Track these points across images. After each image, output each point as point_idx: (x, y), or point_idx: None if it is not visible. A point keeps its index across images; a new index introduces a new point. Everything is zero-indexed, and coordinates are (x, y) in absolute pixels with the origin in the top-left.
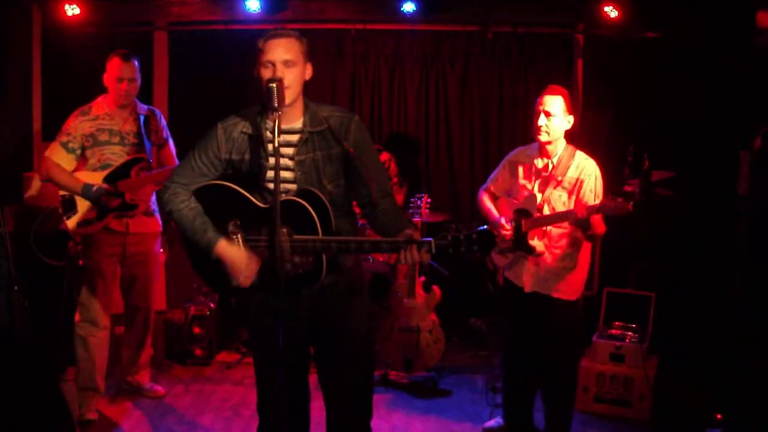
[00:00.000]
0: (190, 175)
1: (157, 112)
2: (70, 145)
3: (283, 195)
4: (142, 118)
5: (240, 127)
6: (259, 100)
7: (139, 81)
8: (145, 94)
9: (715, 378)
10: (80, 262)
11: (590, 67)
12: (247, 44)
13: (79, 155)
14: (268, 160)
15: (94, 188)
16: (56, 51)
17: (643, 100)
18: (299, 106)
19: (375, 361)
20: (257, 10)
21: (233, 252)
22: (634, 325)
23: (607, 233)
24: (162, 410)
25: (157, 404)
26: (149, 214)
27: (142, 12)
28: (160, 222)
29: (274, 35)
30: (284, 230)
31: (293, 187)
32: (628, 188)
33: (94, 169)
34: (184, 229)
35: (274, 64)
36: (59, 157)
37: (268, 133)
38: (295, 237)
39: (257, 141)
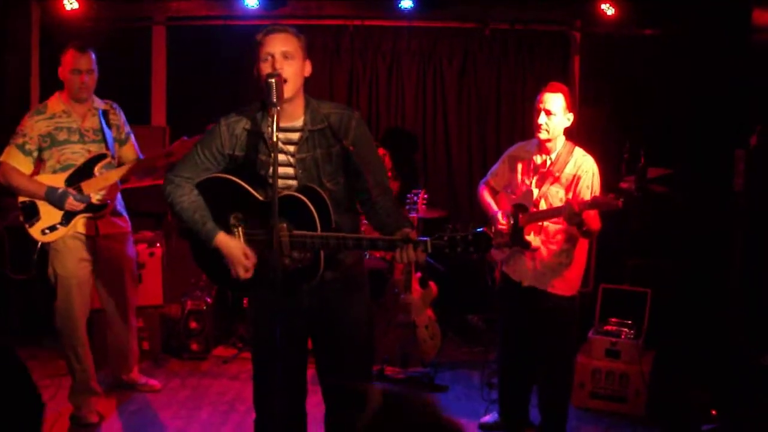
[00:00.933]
0: (193, 170)
1: (116, 105)
2: (27, 146)
3: (284, 191)
4: (100, 112)
5: (242, 124)
6: (259, 97)
7: (96, 73)
8: (143, 89)
9: (711, 374)
10: (48, 272)
11: (587, 65)
12: (245, 40)
13: (36, 157)
14: (269, 157)
15: (59, 191)
16: (55, 46)
17: (639, 97)
18: (300, 104)
19: (374, 357)
20: (255, 5)
21: (231, 244)
22: (629, 321)
23: (602, 229)
24: (158, 404)
25: (154, 399)
26: (117, 213)
27: (140, 7)
28: (128, 220)
29: (273, 30)
30: (283, 225)
31: (294, 184)
32: (624, 185)
33: (54, 171)
34: (185, 222)
35: (273, 56)
36: (16, 161)
37: (269, 130)
38: (294, 232)
39: (259, 137)
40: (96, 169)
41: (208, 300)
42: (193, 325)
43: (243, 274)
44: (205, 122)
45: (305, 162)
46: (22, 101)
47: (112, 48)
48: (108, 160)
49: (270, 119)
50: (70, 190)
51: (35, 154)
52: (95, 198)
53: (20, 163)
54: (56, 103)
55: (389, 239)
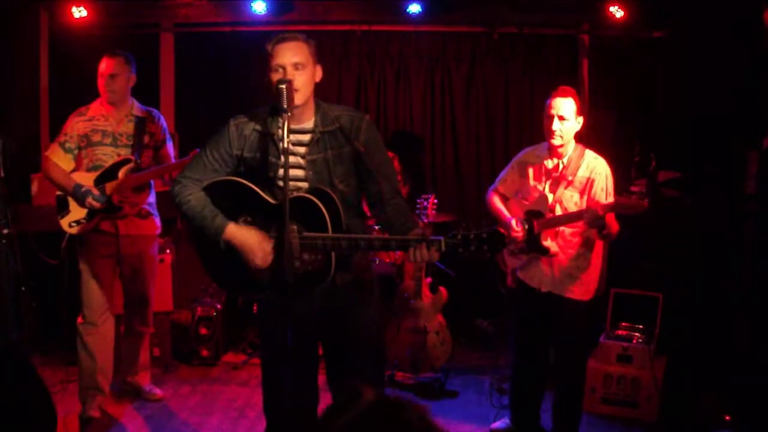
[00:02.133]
0: (201, 171)
1: (156, 113)
2: (67, 144)
3: (294, 193)
4: (136, 119)
5: (252, 125)
6: (267, 102)
7: (123, 76)
8: (152, 96)
9: (723, 379)
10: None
11: (596, 68)
12: (252, 46)
13: (76, 155)
14: (279, 159)
15: (82, 189)
16: (63, 53)
17: (649, 100)
18: (310, 107)
19: (385, 362)
20: (263, 11)
21: (244, 233)
22: (641, 326)
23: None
24: (169, 411)
25: (164, 405)
26: (143, 216)
27: (148, 14)
28: (158, 223)
29: (283, 39)
30: (294, 227)
31: (305, 185)
32: (634, 188)
33: (88, 170)
34: (192, 219)
35: (284, 68)
36: (57, 157)
37: (280, 132)
38: (305, 234)
39: (268, 139)
40: (120, 173)
41: (218, 306)
42: (203, 331)
43: (262, 261)
44: (213, 127)
45: (316, 163)
46: (31, 108)
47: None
48: (132, 165)
49: (281, 124)
50: (93, 189)
51: (75, 152)
52: (116, 199)
53: (60, 159)
54: (97, 106)
55: (402, 239)
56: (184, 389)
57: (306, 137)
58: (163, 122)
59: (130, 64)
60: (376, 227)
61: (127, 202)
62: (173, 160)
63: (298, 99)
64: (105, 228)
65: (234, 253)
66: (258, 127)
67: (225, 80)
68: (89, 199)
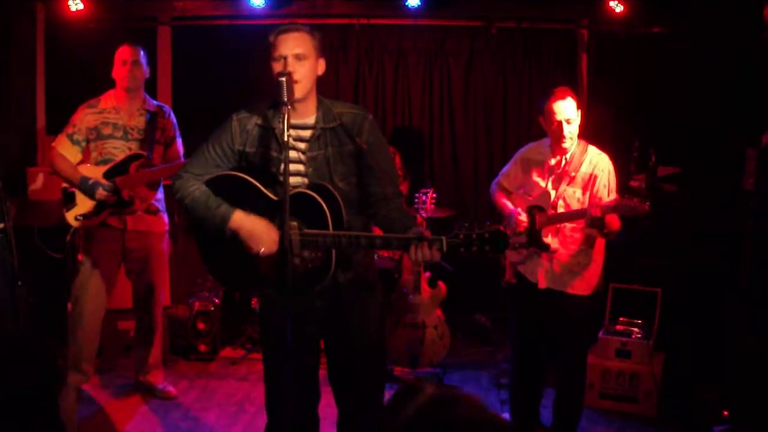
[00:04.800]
0: (203, 166)
1: (167, 109)
2: (75, 136)
3: (296, 188)
4: (148, 114)
5: (254, 120)
6: (267, 96)
7: (145, 68)
8: (149, 89)
9: (722, 374)
10: (79, 256)
11: (595, 63)
12: (251, 39)
13: (84, 147)
14: (281, 153)
15: (91, 182)
16: (60, 46)
17: (648, 95)
18: (312, 102)
19: (386, 358)
20: (261, 5)
21: (251, 220)
22: (640, 321)
23: None
24: (167, 406)
25: (162, 400)
26: (152, 212)
27: (145, 7)
28: (166, 220)
29: (286, 30)
30: (294, 224)
31: (305, 181)
32: (633, 183)
33: (96, 163)
34: (196, 211)
35: (285, 58)
36: (64, 148)
37: (281, 126)
38: (305, 231)
39: (270, 134)
40: (132, 168)
41: (216, 301)
42: (201, 326)
43: (269, 249)
44: (211, 122)
45: (316, 160)
46: (27, 102)
47: (116, 48)
48: (143, 160)
49: (281, 117)
50: (102, 181)
51: (83, 144)
52: (126, 194)
53: (67, 150)
54: (108, 99)
55: (404, 237)
56: (182, 384)
57: (307, 133)
58: (174, 118)
59: (145, 58)
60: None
61: (138, 197)
62: (182, 158)
63: (299, 91)
64: (112, 223)
65: (235, 248)
66: (260, 122)
67: (223, 74)
68: (99, 191)
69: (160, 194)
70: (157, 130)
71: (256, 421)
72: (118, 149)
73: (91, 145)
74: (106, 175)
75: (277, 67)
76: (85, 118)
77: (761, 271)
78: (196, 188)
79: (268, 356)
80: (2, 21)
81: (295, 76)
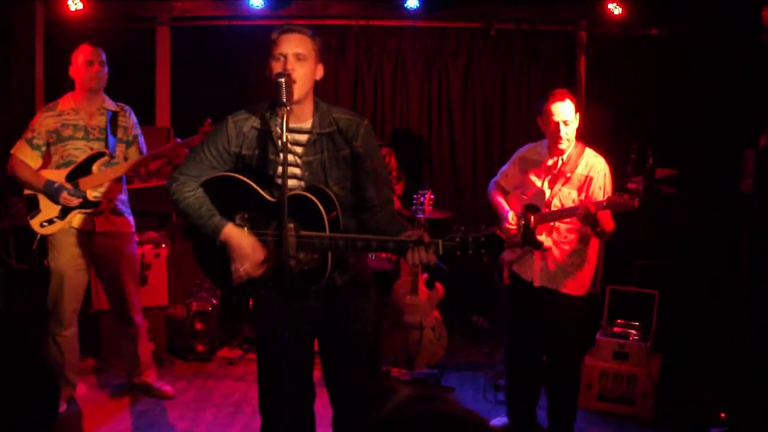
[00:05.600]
0: (199, 167)
1: (127, 108)
2: (35, 141)
3: (293, 190)
4: (109, 113)
5: (251, 122)
6: (266, 96)
7: (106, 69)
8: (147, 90)
9: (720, 376)
10: (45, 262)
11: (593, 64)
12: (250, 40)
13: (44, 152)
14: (277, 156)
15: (56, 185)
16: (59, 46)
17: (646, 97)
18: (309, 105)
19: (381, 359)
20: (260, 5)
21: (240, 236)
22: (637, 323)
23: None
24: (164, 406)
25: (159, 400)
26: (117, 213)
27: (144, 7)
28: (131, 221)
29: (289, 30)
30: (291, 225)
31: (300, 185)
32: (631, 185)
33: (58, 166)
34: (189, 217)
35: (285, 56)
36: (24, 154)
37: (278, 129)
38: (301, 233)
39: (267, 136)
40: (94, 167)
41: (214, 301)
42: (199, 326)
43: (249, 271)
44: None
45: (312, 165)
46: (26, 101)
47: (116, 48)
48: (106, 158)
49: (279, 119)
50: (66, 184)
51: (43, 148)
52: (91, 195)
53: (28, 156)
54: (66, 101)
55: (400, 240)
56: (180, 384)
57: (303, 137)
58: (134, 118)
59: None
60: None
61: (104, 197)
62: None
63: (297, 93)
64: (79, 226)
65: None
66: (257, 124)
67: (222, 74)
68: (64, 194)
69: (123, 195)
70: (118, 128)
71: (254, 421)
72: (80, 149)
73: (51, 148)
74: (69, 177)
75: (277, 66)
76: (44, 121)
77: (759, 273)
78: (190, 194)
79: (264, 356)
80: (2, 20)
81: (294, 76)
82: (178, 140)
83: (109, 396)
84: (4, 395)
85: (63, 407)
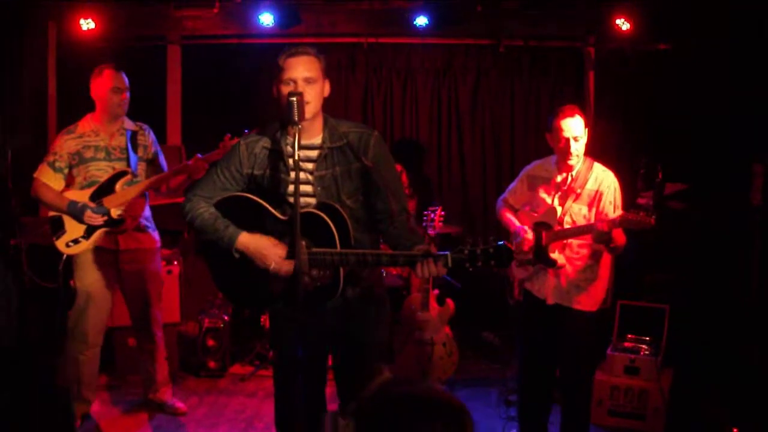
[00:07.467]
0: (212, 189)
1: (146, 127)
2: (57, 164)
3: (303, 208)
4: (129, 133)
5: (261, 143)
6: (274, 115)
7: (129, 93)
8: (158, 109)
9: (731, 391)
10: (71, 282)
11: (602, 80)
12: (260, 58)
13: (66, 174)
14: (288, 174)
15: (79, 205)
16: (71, 65)
17: (655, 112)
18: (319, 122)
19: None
20: (270, 24)
21: (257, 240)
22: (648, 338)
23: None
24: (176, 422)
25: (172, 416)
26: (141, 230)
27: (155, 26)
28: (157, 238)
29: (294, 53)
30: (302, 243)
31: (313, 201)
32: (641, 200)
33: (81, 187)
34: (204, 232)
35: (295, 82)
36: (47, 177)
37: (289, 148)
38: (313, 250)
39: (278, 156)
40: (117, 186)
41: (225, 318)
42: (211, 342)
43: (277, 265)
44: (220, 140)
45: (324, 179)
46: (39, 120)
47: (127, 67)
48: (128, 177)
49: (291, 138)
50: (89, 203)
51: (65, 171)
52: (115, 213)
53: (50, 179)
54: (86, 123)
55: (409, 254)
56: (192, 401)
57: (314, 153)
58: (153, 135)
59: None
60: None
61: (128, 215)
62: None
63: (308, 112)
64: (104, 245)
65: (245, 266)
66: (267, 145)
67: (232, 92)
68: (88, 213)
69: (147, 212)
70: (138, 147)
71: None
72: (102, 170)
73: (74, 170)
74: (93, 197)
75: (286, 90)
76: (65, 144)
77: None
78: (204, 210)
79: (279, 372)
80: (15, 39)
81: (306, 98)
82: (200, 156)
83: (123, 412)
84: (18, 422)
85: (78, 423)
